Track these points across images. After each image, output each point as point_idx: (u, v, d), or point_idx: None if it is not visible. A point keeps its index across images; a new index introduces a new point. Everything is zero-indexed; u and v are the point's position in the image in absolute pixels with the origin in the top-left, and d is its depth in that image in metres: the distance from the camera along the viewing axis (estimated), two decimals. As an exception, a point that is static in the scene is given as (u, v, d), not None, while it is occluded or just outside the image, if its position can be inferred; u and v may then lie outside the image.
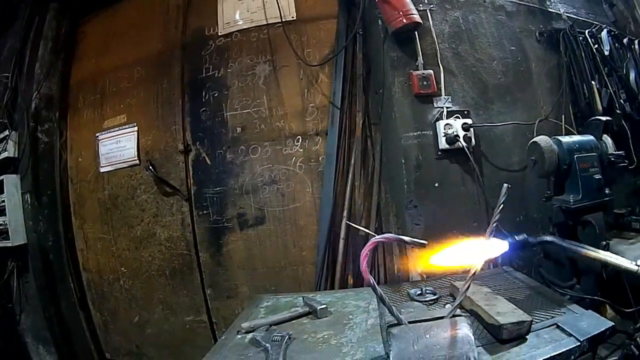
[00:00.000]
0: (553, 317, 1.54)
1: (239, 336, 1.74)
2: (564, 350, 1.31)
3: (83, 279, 3.58)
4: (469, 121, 2.57)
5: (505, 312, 1.44)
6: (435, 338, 1.24)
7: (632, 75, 2.99)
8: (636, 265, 1.52)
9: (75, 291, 3.51)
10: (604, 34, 3.01)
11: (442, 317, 1.31)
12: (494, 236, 1.41)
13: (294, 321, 1.84)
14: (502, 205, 1.48)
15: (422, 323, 1.29)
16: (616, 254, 1.85)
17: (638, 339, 1.59)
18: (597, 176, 2.05)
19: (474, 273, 1.37)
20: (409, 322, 1.28)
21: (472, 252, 1.43)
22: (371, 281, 1.30)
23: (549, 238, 1.86)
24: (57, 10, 3.64)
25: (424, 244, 1.42)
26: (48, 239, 3.41)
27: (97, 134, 3.44)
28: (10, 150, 3.37)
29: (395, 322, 1.28)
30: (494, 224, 1.48)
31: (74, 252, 3.58)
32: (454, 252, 1.52)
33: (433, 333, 1.25)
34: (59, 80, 3.63)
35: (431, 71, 2.60)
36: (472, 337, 1.25)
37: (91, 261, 3.53)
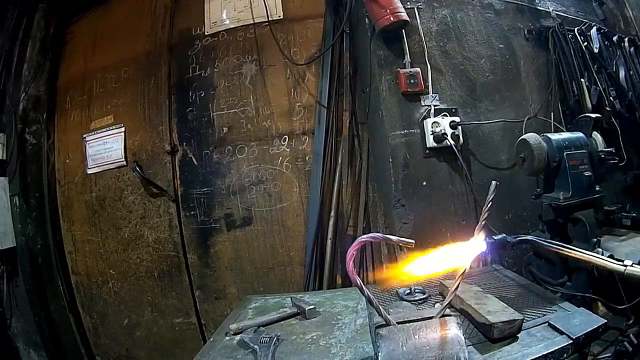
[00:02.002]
0: (544, 315, 1.52)
1: (228, 338, 1.73)
2: (555, 348, 1.30)
3: (72, 281, 3.56)
4: (457, 119, 2.55)
5: (496, 311, 1.42)
6: (424, 339, 1.22)
7: (621, 73, 2.99)
8: (623, 265, 1.50)
9: (64, 294, 3.50)
10: (593, 31, 3.00)
11: (431, 317, 1.29)
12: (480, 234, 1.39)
13: (282, 322, 1.82)
14: (490, 203, 1.46)
15: (411, 323, 1.26)
16: (607, 250, 1.84)
17: (631, 335, 1.58)
18: (587, 173, 2.04)
19: (463, 273, 1.36)
20: (398, 323, 1.26)
21: (451, 255, 1.42)
22: (358, 282, 1.28)
23: (528, 237, 1.84)
24: (45, 11, 3.63)
25: (410, 242, 1.40)
26: (37, 242, 3.39)
27: (84, 135, 3.42)
28: (-2, 152, 3.35)
29: (384, 322, 1.27)
30: (483, 222, 1.47)
31: (63, 255, 3.56)
32: (434, 258, 1.51)
33: (422, 334, 1.23)
34: (46, 81, 3.62)
35: (418, 69, 2.58)
36: (462, 337, 1.23)
37: (80, 264, 3.51)
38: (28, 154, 3.44)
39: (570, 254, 1.68)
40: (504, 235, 1.78)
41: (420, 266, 1.55)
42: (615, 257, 1.82)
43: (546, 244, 1.76)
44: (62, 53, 3.73)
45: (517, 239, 1.82)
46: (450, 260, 1.45)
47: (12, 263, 3.38)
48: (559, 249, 1.72)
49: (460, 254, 1.41)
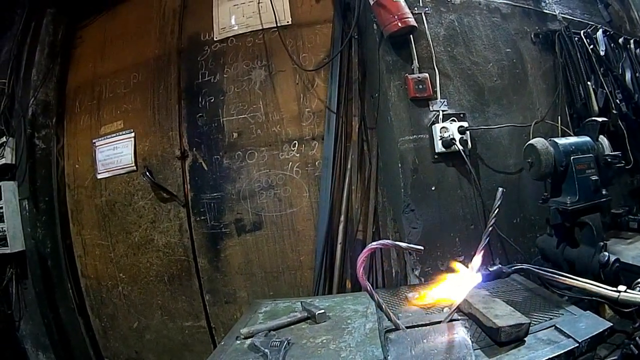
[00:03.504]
0: (551, 318, 1.54)
1: (238, 342, 1.75)
2: (562, 351, 1.31)
3: (82, 285, 3.58)
4: (465, 124, 2.56)
5: (504, 315, 1.44)
6: (432, 343, 1.25)
7: (628, 75, 2.99)
8: (617, 291, 1.52)
9: (74, 297, 3.51)
10: (599, 34, 3.01)
11: (439, 322, 1.31)
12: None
13: (292, 326, 1.85)
14: (497, 210, 1.49)
15: (420, 328, 1.29)
16: (614, 254, 1.86)
17: (637, 338, 1.59)
18: (594, 177, 2.04)
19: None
20: (407, 327, 1.29)
21: (448, 288, 1.46)
22: (368, 288, 1.30)
23: (524, 266, 1.85)
24: (54, 15, 3.64)
25: (419, 249, 1.43)
26: (46, 245, 3.41)
27: (94, 140, 3.44)
28: (8, 157, 3.37)
29: (393, 327, 1.29)
30: (490, 228, 1.49)
31: (72, 259, 3.57)
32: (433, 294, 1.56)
33: (430, 338, 1.26)
34: (55, 86, 3.63)
35: (427, 75, 2.59)
36: (470, 341, 1.25)
37: (89, 267, 3.53)
38: (37, 158, 3.45)
39: (565, 282, 1.70)
40: (500, 266, 1.80)
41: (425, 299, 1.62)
42: (622, 260, 1.84)
43: (541, 272, 1.78)
44: (71, 57, 3.74)
45: (513, 268, 1.84)
46: (448, 293, 1.50)
47: (22, 266, 3.40)
48: (554, 277, 1.74)
49: (456, 288, 1.45)
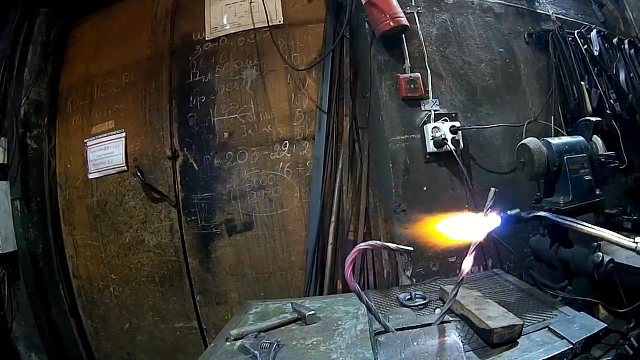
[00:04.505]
0: (545, 320, 1.54)
1: (228, 343, 1.74)
2: (556, 353, 1.31)
3: (73, 286, 3.56)
4: (457, 124, 2.55)
5: (496, 316, 1.44)
6: (423, 346, 1.24)
7: (622, 76, 2.99)
8: (634, 242, 1.50)
9: (66, 298, 3.50)
10: (593, 34, 3.00)
11: (430, 324, 1.30)
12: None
13: (283, 328, 1.84)
14: (489, 210, 1.47)
15: (410, 330, 1.28)
16: (608, 254, 1.84)
17: (632, 338, 1.58)
18: (588, 177, 2.03)
19: (462, 280, 1.37)
20: (397, 330, 1.27)
21: (468, 226, 1.43)
22: (357, 289, 1.28)
23: (542, 213, 1.84)
24: (47, 15, 3.64)
25: (410, 250, 1.42)
26: (38, 246, 3.39)
27: (85, 140, 3.43)
28: (0, 157, 3.36)
29: (383, 329, 1.27)
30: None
31: (64, 259, 3.56)
32: (452, 224, 1.52)
33: (421, 341, 1.25)
34: (48, 85, 3.62)
35: (419, 74, 2.58)
36: (461, 344, 1.24)
37: (81, 268, 3.51)
38: (29, 158, 3.44)
39: (582, 230, 1.68)
40: (519, 210, 1.79)
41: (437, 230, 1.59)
42: (616, 260, 1.83)
43: (559, 220, 1.77)
44: (64, 57, 3.74)
45: (531, 214, 1.83)
46: (465, 231, 1.47)
47: (14, 267, 3.39)
48: (572, 225, 1.73)
49: (475, 227, 1.42)
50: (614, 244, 1.58)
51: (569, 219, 1.78)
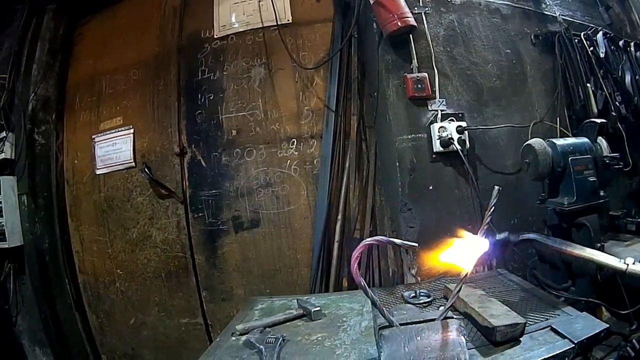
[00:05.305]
0: (547, 319, 1.55)
1: (234, 338, 1.76)
2: (557, 352, 1.33)
3: (79, 280, 3.59)
4: (464, 124, 2.56)
5: (499, 315, 1.45)
6: (426, 340, 1.25)
7: (627, 78, 2.99)
8: (625, 263, 1.52)
9: (71, 293, 3.52)
10: (599, 36, 3.01)
11: (433, 320, 1.31)
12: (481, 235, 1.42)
13: (288, 323, 1.86)
14: (493, 208, 1.48)
15: (414, 325, 1.29)
16: (612, 256, 1.86)
17: (633, 340, 1.60)
18: (592, 179, 2.05)
19: (465, 276, 1.38)
20: (401, 324, 1.29)
21: (456, 253, 1.44)
22: (362, 283, 1.30)
23: (531, 236, 1.86)
24: (54, 12, 3.65)
25: (414, 246, 1.43)
26: (44, 240, 3.41)
27: (93, 136, 3.45)
28: (7, 152, 3.39)
29: (387, 324, 1.29)
30: (485, 227, 1.49)
31: (70, 254, 3.58)
32: (444, 254, 1.53)
33: (424, 335, 1.26)
34: (55, 81, 3.64)
35: (425, 74, 2.59)
36: (463, 339, 1.26)
37: (87, 263, 3.53)
38: (37, 153, 3.47)
39: (572, 253, 1.70)
40: (507, 233, 1.80)
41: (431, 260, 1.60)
42: (620, 261, 1.85)
43: (549, 242, 1.78)
44: (71, 54, 3.76)
45: (520, 237, 1.84)
46: (456, 257, 1.48)
47: (20, 261, 3.42)
48: (560, 248, 1.74)
49: (464, 254, 1.43)
50: (604, 266, 1.59)
51: (558, 240, 1.79)
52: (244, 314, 2.08)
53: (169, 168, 3.19)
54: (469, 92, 2.71)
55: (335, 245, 2.80)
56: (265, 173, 3.02)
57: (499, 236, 1.78)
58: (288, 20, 3.10)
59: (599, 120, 2.30)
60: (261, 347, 1.56)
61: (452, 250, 1.52)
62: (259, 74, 3.08)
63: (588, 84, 2.85)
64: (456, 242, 1.49)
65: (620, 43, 3.11)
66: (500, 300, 1.60)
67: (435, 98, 2.61)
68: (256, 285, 3.03)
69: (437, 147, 2.53)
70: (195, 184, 3.15)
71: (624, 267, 1.51)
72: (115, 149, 3.34)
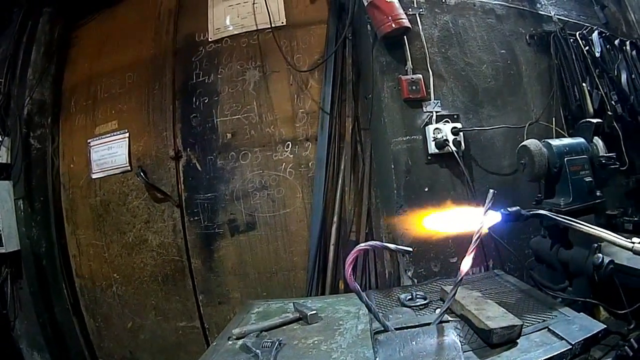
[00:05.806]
0: (544, 320, 1.54)
1: (230, 342, 1.75)
2: (555, 353, 1.32)
3: (76, 285, 3.58)
4: (459, 125, 2.56)
5: (496, 317, 1.44)
6: (421, 344, 1.25)
7: (623, 77, 2.98)
8: (631, 242, 1.51)
9: (68, 297, 3.51)
10: (595, 35, 3.00)
11: (428, 324, 1.31)
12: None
13: (284, 327, 1.85)
14: (488, 211, 1.48)
15: (409, 329, 1.29)
16: (608, 255, 1.85)
17: (631, 339, 1.59)
18: (588, 179, 2.03)
19: (461, 279, 1.38)
20: (396, 329, 1.28)
21: (467, 219, 1.44)
22: (356, 288, 1.30)
23: (541, 211, 1.85)
24: (50, 15, 3.65)
25: (409, 251, 1.43)
26: (41, 245, 3.41)
27: (88, 140, 3.44)
28: (3, 156, 3.38)
29: (382, 328, 1.28)
30: (480, 229, 1.49)
31: (67, 258, 3.57)
32: (451, 217, 1.53)
33: (420, 339, 1.26)
34: (51, 85, 3.63)
35: (420, 76, 2.59)
36: (459, 343, 1.25)
37: (84, 267, 3.53)
38: (33, 158, 3.46)
39: (580, 229, 1.69)
40: (518, 208, 1.80)
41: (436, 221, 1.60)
42: (616, 261, 1.84)
43: (558, 218, 1.77)
44: (67, 57, 3.75)
45: (531, 212, 1.84)
46: (465, 222, 1.48)
47: (17, 266, 3.40)
48: (569, 224, 1.73)
49: (471, 219, 1.43)
50: (610, 242, 1.58)
51: (567, 217, 1.79)
52: (241, 317, 2.07)
53: (164, 172, 3.19)
54: (464, 93, 2.71)
55: (331, 247, 2.80)
56: (260, 176, 3.02)
57: (511, 209, 1.78)
58: (282, 23, 3.10)
59: (594, 120, 2.28)
60: (258, 351, 1.56)
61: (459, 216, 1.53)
62: (253, 77, 3.08)
63: (584, 84, 2.84)
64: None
65: (616, 42, 3.11)
66: (497, 302, 1.60)
67: (430, 99, 2.61)
68: (253, 288, 3.03)
69: (432, 148, 2.53)
70: (190, 188, 3.14)
71: (630, 245, 1.50)
72: (110, 153, 3.34)
